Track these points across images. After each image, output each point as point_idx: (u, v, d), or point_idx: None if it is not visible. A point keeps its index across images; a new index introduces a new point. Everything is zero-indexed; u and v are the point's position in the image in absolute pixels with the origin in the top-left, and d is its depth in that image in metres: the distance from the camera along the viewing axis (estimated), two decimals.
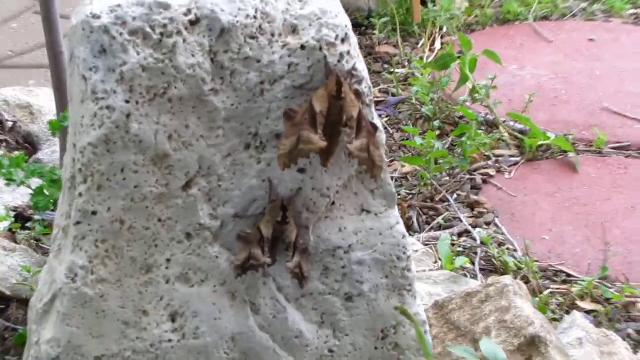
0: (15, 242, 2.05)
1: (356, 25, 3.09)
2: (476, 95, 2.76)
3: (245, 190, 1.27)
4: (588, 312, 2.07)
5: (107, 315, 1.26)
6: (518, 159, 2.62)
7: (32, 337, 1.33)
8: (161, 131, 1.22)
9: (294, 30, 1.25)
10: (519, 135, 2.68)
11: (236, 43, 1.23)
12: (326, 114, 1.25)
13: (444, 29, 3.18)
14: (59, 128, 1.89)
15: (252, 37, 1.23)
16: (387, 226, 1.31)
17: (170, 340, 1.28)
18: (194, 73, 1.22)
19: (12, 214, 2.11)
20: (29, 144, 2.48)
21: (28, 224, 2.09)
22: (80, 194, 1.23)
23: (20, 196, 2.19)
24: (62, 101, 1.99)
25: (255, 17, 1.23)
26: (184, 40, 1.21)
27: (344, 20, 1.27)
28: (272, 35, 1.24)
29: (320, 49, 1.25)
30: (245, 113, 1.25)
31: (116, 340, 1.27)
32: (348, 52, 1.26)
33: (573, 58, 3.14)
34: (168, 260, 1.27)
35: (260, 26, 1.23)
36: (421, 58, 3.04)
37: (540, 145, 2.63)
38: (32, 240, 2.07)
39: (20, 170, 1.89)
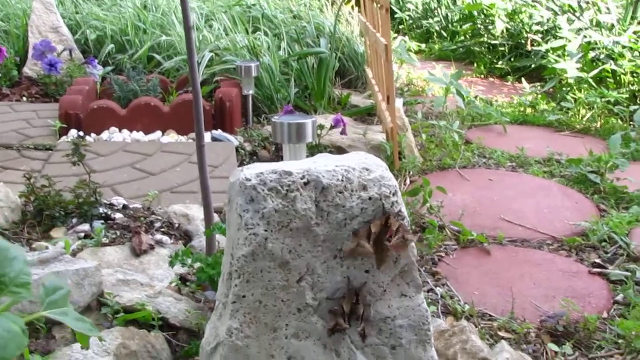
0: (180, 294, 1.88)
1: None
2: (432, 210, 2.60)
3: (334, 283, 1.09)
4: (505, 338, 1.90)
5: (250, 357, 1.08)
6: (456, 247, 2.45)
7: None
8: (285, 248, 1.05)
9: (364, 187, 1.08)
10: (456, 233, 2.51)
11: (331, 195, 1.06)
12: (378, 234, 1.09)
13: (411, 173, 3.03)
14: (209, 234, 1.76)
15: (340, 192, 1.07)
16: (417, 304, 1.14)
17: None
18: (305, 214, 1.05)
19: (177, 277, 1.95)
20: (186, 236, 2.32)
21: (187, 284, 1.93)
22: (235, 285, 1.06)
23: (183, 269, 2.02)
24: (208, 215, 1.84)
25: (342, 180, 1.07)
26: (300, 194, 1.05)
27: (394, 182, 1.11)
28: (352, 191, 1.07)
29: (380, 199, 1.08)
30: (335, 237, 1.08)
31: None
32: (397, 201, 1.10)
33: (481, 190, 2.99)
34: (287, 325, 1.08)
35: (345, 186, 1.07)
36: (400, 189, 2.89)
37: (468, 239, 2.47)
38: (190, 293, 1.90)
39: (187, 257, 1.73)
